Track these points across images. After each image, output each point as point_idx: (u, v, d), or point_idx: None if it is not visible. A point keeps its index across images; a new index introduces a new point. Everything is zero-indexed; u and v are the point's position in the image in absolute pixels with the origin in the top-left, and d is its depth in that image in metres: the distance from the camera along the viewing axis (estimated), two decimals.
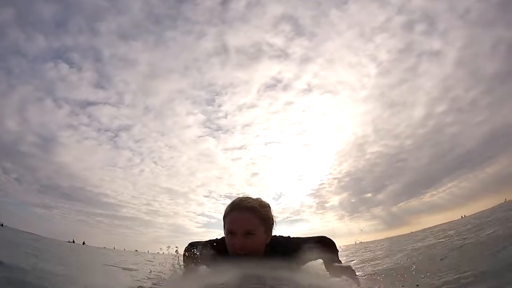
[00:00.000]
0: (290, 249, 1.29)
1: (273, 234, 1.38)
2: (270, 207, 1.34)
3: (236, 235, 1.21)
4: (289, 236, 1.38)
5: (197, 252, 1.28)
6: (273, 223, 1.34)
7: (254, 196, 1.37)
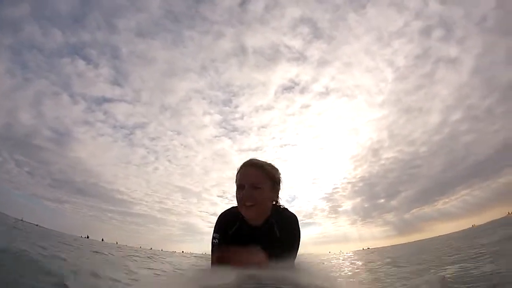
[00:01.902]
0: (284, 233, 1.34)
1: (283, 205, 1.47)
2: (277, 169, 1.45)
3: (244, 188, 1.32)
4: (295, 226, 1.40)
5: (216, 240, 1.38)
6: (279, 183, 1.43)
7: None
